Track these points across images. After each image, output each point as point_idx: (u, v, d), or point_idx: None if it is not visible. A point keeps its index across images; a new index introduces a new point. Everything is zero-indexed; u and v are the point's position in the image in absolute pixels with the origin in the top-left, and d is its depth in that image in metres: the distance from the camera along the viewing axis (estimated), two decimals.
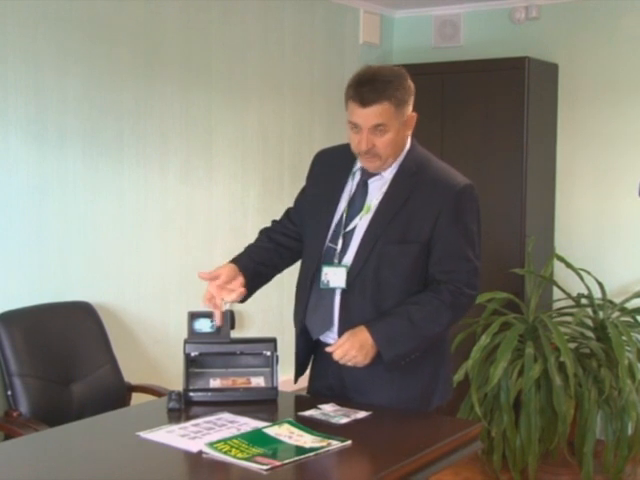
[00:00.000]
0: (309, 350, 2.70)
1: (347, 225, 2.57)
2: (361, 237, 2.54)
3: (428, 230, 2.50)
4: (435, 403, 2.64)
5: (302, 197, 2.80)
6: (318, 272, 2.58)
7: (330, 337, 2.60)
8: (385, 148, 2.49)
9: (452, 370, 2.81)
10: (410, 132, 2.58)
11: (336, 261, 2.56)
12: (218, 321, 2.61)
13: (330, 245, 2.59)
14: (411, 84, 2.53)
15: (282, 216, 2.86)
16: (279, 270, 2.79)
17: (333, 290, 2.56)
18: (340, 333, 2.54)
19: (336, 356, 2.47)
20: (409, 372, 2.55)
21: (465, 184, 2.56)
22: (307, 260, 2.68)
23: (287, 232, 2.79)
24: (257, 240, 2.82)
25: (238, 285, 2.62)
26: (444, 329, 2.56)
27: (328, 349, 2.50)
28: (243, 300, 2.69)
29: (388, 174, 2.57)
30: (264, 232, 2.83)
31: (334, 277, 2.55)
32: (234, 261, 2.69)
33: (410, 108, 2.53)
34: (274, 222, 2.86)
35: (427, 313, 2.49)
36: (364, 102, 2.44)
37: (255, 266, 2.69)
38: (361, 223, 2.56)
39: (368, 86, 2.45)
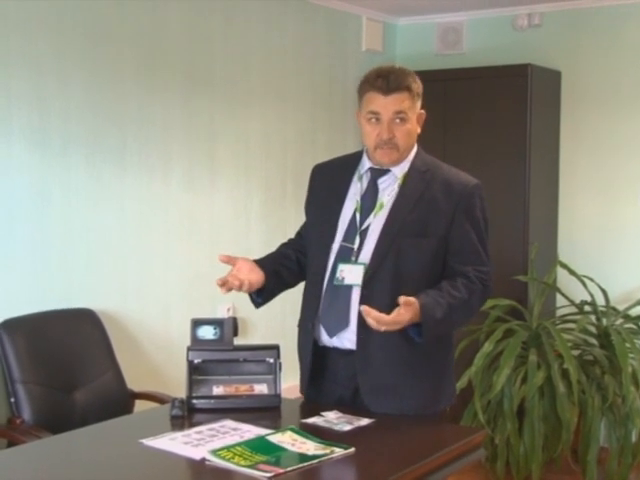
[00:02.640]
0: (314, 358, 2.65)
1: (362, 224, 2.59)
2: (378, 234, 2.56)
3: (445, 225, 2.55)
4: (442, 407, 2.65)
5: (306, 209, 2.82)
6: (333, 271, 2.58)
7: (345, 338, 2.57)
8: (404, 138, 2.56)
9: (455, 376, 2.81)
10: (419, 130, 2.64)
11: (353, 259, 2.57)
12: (225, 258, 2.66)
13: (345, 245, 2.59)
14: (420, 83, 2.63)
15: (296, 234, 2.89)
16: (297, 279, 2.80)
17: (349, 289, 2.55)
18: (359, 332, 2.52)
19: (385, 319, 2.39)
20: (418, 376, 2.56)
21: (476, 183, 2.64)
22: (315, 261, 2.67)
23: (299, 248, 2.81)
24: (277, 248, 2.86)
25: (254, 277, 2.64)
26: (470, 317, 2.63)
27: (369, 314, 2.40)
28: (262, 303, 2.72)
29: (399, 172, 2.61)
30: (284, 244, 2.88)
31: (350, 274, 2.55)
32: (256, 260, 2.72)
33: (420, 105, 2.62)
34: (289, 240, 2.90)
35: (463, 301, 2.52)
36: (388, 89, 2.52)
37: (275, 266, 2.72)
38: (375, 221, 2.58)
39: (389, 76, 2.54)
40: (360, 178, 2.65)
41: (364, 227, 2.58)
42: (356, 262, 2.55)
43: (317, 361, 2.64)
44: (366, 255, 2.56)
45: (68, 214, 3.73)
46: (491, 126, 4.90)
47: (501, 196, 4.86)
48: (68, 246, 3.73)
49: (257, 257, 2.76)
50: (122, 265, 3.96)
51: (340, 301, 2.57)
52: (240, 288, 2.62)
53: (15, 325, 3.44)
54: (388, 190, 2.61)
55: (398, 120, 2.54)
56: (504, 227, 4.84)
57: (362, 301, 2.50)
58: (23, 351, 3.39)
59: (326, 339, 2.60)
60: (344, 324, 2.56)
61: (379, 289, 2.52)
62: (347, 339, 2.57)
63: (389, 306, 2.44)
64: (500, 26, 5.24)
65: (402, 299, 2.38)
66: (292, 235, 2.91)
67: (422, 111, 2.63)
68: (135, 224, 4.01)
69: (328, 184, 2.71)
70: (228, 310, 4.24)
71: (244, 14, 4.50)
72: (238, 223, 4.54)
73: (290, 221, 4.68)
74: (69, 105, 3.70)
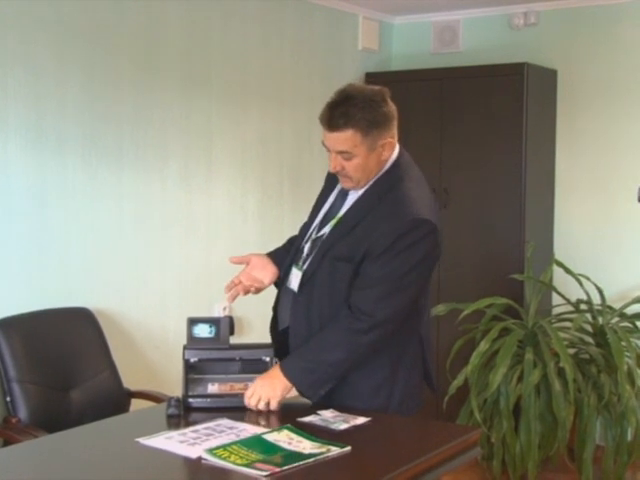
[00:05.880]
0: (282, 337, 2.70)
1: (318, 231, 2.62)
2: (319, 246, 2.58)
3: (363, 251, 2.47)
4: (393, 410, 2.59)
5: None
6: (290, 269, 2.66)
7: None
8: (354, 172, 2.49)
9: (419, 386, 2.69)
10: (388, 155, 2.52)
11: (300, 264, 2.62)
12: (230, 299, 2.71)
13: (302, 246, 2.66)
14: (390, 109, 2.48)
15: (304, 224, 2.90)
16: None
17: (292, 292, 2.64)
18: (290, 333, 2.61)
19: (246, 396, 2.51)
20: (360, 381, 2.56)
21: (415, 218, 2.44)
22: (289, 255, 2.75)
23: None
24: (289, 240, 2.90)
25: (269, 274, 2.71)
26: (347, 355, 2.48)
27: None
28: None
29: (362, 190, 2.56)
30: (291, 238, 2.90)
31: (294, 279, 2.63)
32: (268, 254, 2.78)
33: (388, 133, 2.47)
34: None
35: (324, 341, 2.50)
36: (330, 127, 2.45)
37: (287, 256, 2.75)
38: (328, 232, 2.59)
39: (338, 110, 2.42)
40: (339, 184, 2.65)
41: (318, 235, 2.60)
42: (300, 268, 2.61)
43: (283, 345, 2.69)
44: (307, 263, 2.60)
45: (64, 213, 3.73)
46: (487, 125, 4.90)
47: (497, 194, 4.87)
48: (64, 245, 3.73)
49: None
50: (118, 264, 3.96)
51: (285, 300, 2.68)
52: (246, 294, 2.72)
53: (11, 324, 3.44)
54: (348, 205, 2.58)
55: (345, 156, 2.45)
56: (500, 226, 4.85)
57: (292, 305, 2.62)
58: (19, 350, 3.39)
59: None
60: (286, 322, 2.67)
61: (306, 298, 2.58)
62: None
63: (314, 316, 2.55)
64: (496, 25, 5.24)
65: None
66: (289, 234, 2.94)
67: (390, 140, 2.48)
68: (132, 223, 4.01)
69: (329, 182, 2.73)
70: (224, 309, 4.24)
71: (241, 13, 4.50)
72: (235, 222, 4.54)
73: (286, 220, 4.68)
74: (66, 104, 3.70)
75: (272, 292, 2.88)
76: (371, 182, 2.54)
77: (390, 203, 2.49)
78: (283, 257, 2.76)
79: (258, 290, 2.75)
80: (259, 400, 2.49)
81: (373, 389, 2.58)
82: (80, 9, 3.72)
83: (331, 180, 2.71)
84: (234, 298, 2.74)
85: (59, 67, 3.67)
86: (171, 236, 4.21)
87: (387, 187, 2.52)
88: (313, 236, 2.63)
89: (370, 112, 2.42)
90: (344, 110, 2.42)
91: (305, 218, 2.80)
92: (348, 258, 2.50)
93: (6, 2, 3.45)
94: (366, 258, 2.47)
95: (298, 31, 4.87)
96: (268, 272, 2.73)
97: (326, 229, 2.59)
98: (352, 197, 2.59)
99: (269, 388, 2.50)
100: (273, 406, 2.49)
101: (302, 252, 2.64)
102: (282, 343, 2.68)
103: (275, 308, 2.77)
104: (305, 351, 2.53)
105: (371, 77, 5.20)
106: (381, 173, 2.54)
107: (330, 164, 2.52)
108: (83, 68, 3.76)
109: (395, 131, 2.52)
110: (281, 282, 2.72)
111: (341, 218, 2.57)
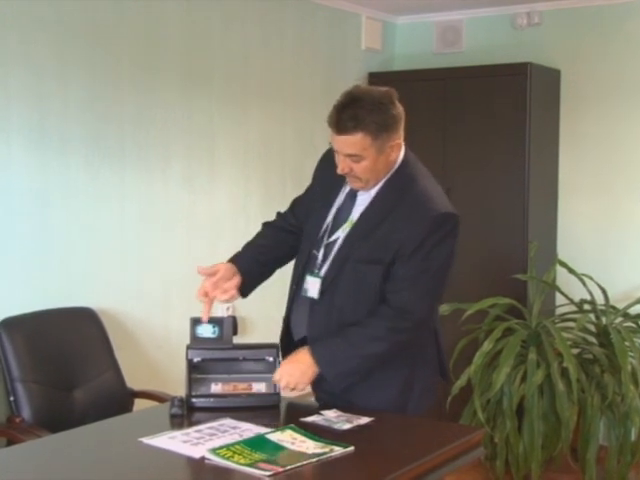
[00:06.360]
0: (294, 347, 2.68)
1: (330, 235, 2.58)
2: (336, 251, 2.55)
3: (392, 252, 2.47)
4: (410, 411, 2.61)
5: (307, 195, 2.82)
6: (303, 277, 2.62)
7: None
8: (363, 174, 2.47)
9: (433, 380, 2.73)
10: (397, 157, 2.52)
11: (316, 270, 2.59)
12: (205, 316, 2.63)
13: (314, 252, 2.62)
14: (398, 110, 2.47)
15: (287, 209, 2.88)
16: (281, 264, 2.82)
17: (310, 299, 2.60)
18: (309, 341, 2.58)
19: (274, 378, 2.54)
20: (382, 377, 2.56)
21: (442, 212, 2.47)
22: (297, 262, 2.73)
23: (288, 228, 2.81)
24: (258, 236, 2.85)
25: (232, 286, 2.66)
26: (381, 351, 2.51)
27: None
28: (244, 295, 2.73)
29: (374, 191, 2.55)
30: (266, 227, 2.87)
31: (312, 287, 2.59)
32: (234, 260, 2.73)
33: (396, 135, 2.47)
34: (278, 215, 2.88)
35: (364, 335, 2.49)
36: (339, 130, 2.40)
37: (254, 266, 2.73)
38: (343, 235, 2.56)
39: (346, 113, 2.39)
40: (345, 185, 2.62)
41: (332, 239, 2.57)
42: (317, 274, 2.58)
43: (290, 349, 2.69)
44: (325, 269, 2.58)
45: (67, 213, 3.73)
46: (490, 125, 4.89)
47: (500, 194, 4.86)
48: (67, 245, 3.73)
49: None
50: (121, 264, 3.96)
51: (302, 309, 2.64)
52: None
53: (14, 324, 3.44)
54: (361, 207, 2.56)
55: (354, 159, 2.43)
56: (503, 226, 4.84)
57: (310, 312, 2.59)
58: (23, 350, 3.39)
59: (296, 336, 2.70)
60: (303, 331, 2.64)
61: (328, 304, 2.56)
62: None
63: (334, 323, 2.53)
64: (499, 25, 5.23)
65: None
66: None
67: (398, 142, 2.47)
68: (134, 223, 4.01)
69: (329, 177, 2.66)
70: (227, 309, 4.24)
71: (243, 13, 4.50)
72: (237, 222, 4.54)
73: None
74: (68, 104, 3.70)
75: (274, 292, 2.88)
76: (382, 182, 2.53)
77: (410, 203, 2.49)
78: (250, 265, 2.72)
79: (230, 299, 2.69)
80: (284, 382, 2.51)
81: (394, 387, 2.59)
82: (81, 9, 3.72)
83: (329, 180, 2.65)
84: (208, 313, 2.66)
85: (60, 67, 3.67)
86: (174, 236, 4.21)
87: (401, 187, 2.52)
88: (325, 241, 2.59)
89: (379, 115, 2.40)
90: (352, 113, 2.38)
91: None
92: (375, 260, 2.48)
93: (6, 2, 3.45)
94: (397, 259, 2.47)
95: (300, 31, 4.86)
96: (233, 283, 2.66)
97: (339, 233, 2.56)
98: (363, 198, 2.56)
99: (299, 375, 2.50)
100: (299, 389, 2.52)
101: (315, 258, 2.60)
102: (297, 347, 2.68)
103: (287, 319, 2.72)
104: (339, 341, 2.50)
105: (374, 77, 5.20)
106: (391, 173, 2.53)
107: (339, 166, 2.49)
108: (85, 68, 3.76)
109: (402, 132, 2.51)
110: (293, 292, 2.68)
111: (357, 221, 2.54)
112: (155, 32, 4.06)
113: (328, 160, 2.70)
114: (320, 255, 2.59)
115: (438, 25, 5.43)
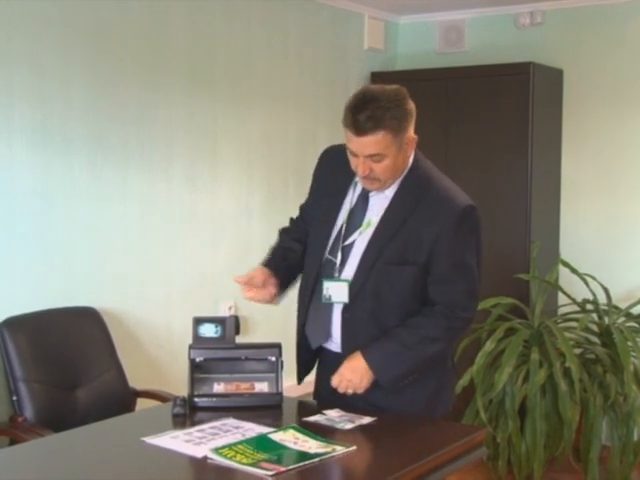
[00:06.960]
0: (311, 355, 2.71)
1: (346, 239, 2.55)
2: (361, 254, 2.52)
3: (426, 251, 2.47)
4: (438, 412, 2.64)
5: (309, 198, 2.80)
6: (319, 283, 2.58)
7: (332, 343, 2.62)
8: (383, 173, 2.46)
9: (455, 378, 2.81)
10: (411, 153, 2.53)
11: (336, 275, 2.55)
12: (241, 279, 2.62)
13: (329, 257, 2.58)
14: (411, 106, 2.47)
15: (298, 215, 2.86)
16: (302, 269, 2.80)
17: (331, 304, 2.57)
18: (344, 347, 2.56)
19: (333, 383, 2.52)
20: (415, 384, 2.55)
21: (466, 205, 2.51)
22: (307, 269, 2.69)
23: (301, 236, 2.77)
24: (280, 241, 2.83)
25: (272, 284, 2.67)
26: (438, 351, 2.55)
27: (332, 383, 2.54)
28: (278, 301, 2.74)
29: (389, 192, 2.54)
30: (283, 233, 2.85)
31: (336, 292, 2.55)
32: (265, 265, 2.72)
33: (410, 131, 2.47)
34: (291, 221, 2.86)
35: (421, 337, 2.49)
36: (359, 131, 2.37)
37: (285, 266, 2.72)
38: (360, 238, 2.54)
39: (364, 113, 2.36)
40: (355, 185, 2.60)
41: (348, 242, 2.55)
42: (340, 279, 2.54)
43: (311, 357, 2.71)
44: (349, 273, 2.54)
45: (70, 213, 3.73)
46: (493, 125, 4.89)
47: (503, 194, 4.86)
48: (70, 245, 3.73)
49: (258, 255, 2.81)
50: (124, 264, 3.96)
51: (323, 317, 2.60)
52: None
53: (17, 323, 3.44)
54: (377, 208, 2.54)
55: (375, 159, 2.41)
56: (506, 225, 4.84)
57: (344, 318, 2.55)
58: (25, 349, 3.39)
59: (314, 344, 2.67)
60: (325, 337, 2.62)
61: (361, 308, 2.53)
62: (333, 344, 2.62)
63: (372, 325, 2.52)
64: (502, 24, 5.23)
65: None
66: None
67: (413, 136, 2.48)
68: (137, 223, 4.02)
69: (332, 178, 2.66)
70: (230, 308, 4.24)
71: (246, 13, 4.50)
72: (240, 222, 4.54)
73: None
74: (71, 104, 3.70)
75: None
76: (398, 182, 2.52)
77: (432, 200, 2.49)
78: (278, 266, 2.70)
79: (271, 300, 2.70)
80: (343, 385, 2.52)
81: (424, 396, 2.61)
82: (85, 9, 3.73)
83: (333, 182, 2.64)
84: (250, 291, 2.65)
85: (64, 67, 3.67)
86: (176, 236, 4.21)
87: (418, 185, 2.52)
88: (340, 244, 2.56)
89: (397, 111, 2.40)
90: (370, 113, 2.36)
91: None
92: (408, 261, 2.47)
93: (12, 2, 3.46)
94: (434, 258, 2.47)
95: (303, 30, 4.86)
96: (272, 284, 2.67)
97: (355, 236, 2.54)
98: (377, 199, 2.55)
99: (358, 380, 2.50)
100: (357, 391, 2.53)
101: (332, 263, 2.57)
102: (311, 362, 2.71)
103: (301, 327, 2.68)
104: (393, 345, 2.50)
105: (376, 77, 5.19)
106: (405, 172, 2.53)
107: (357, 168, 2.46)
108: (88, 68, 3.76)
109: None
110: (308, 300, 2.65)
111: (379, 223, 2.51)
112: (158, 32, 4.06)
113: (328, 161, 2.71)
114: (338, 259, 2.55)
115: (441, 25, 5.42)
